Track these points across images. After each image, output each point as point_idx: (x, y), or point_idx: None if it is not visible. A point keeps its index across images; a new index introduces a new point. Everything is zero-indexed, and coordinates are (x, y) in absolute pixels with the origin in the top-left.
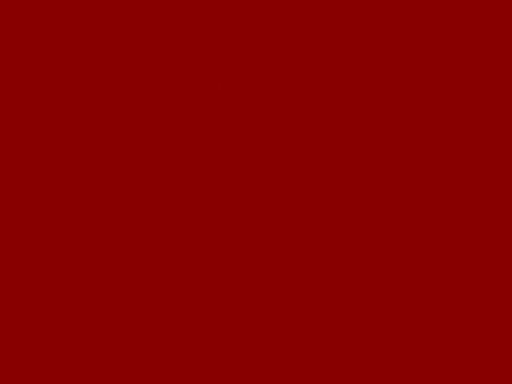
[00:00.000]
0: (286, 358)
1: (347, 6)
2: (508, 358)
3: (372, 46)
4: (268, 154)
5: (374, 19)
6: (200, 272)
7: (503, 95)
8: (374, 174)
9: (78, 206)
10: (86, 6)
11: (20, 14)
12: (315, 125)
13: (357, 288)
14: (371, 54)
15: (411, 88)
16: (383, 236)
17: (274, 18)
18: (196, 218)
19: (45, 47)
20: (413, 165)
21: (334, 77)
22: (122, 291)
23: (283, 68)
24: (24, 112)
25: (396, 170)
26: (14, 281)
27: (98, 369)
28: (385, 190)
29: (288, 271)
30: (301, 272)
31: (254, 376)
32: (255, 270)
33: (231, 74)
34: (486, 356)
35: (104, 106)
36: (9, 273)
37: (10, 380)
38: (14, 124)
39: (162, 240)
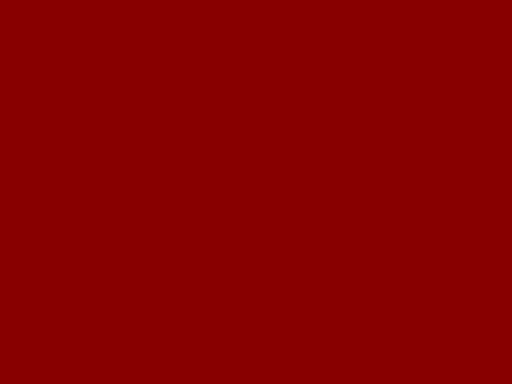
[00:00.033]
0: (286, 358)
1: (347, 6)
2: (508, 358)
3: (372, 46)
4: (268, 153)
5: (374, 19)
6: (200, 271)
7: (503, 95)
8: (374, 173)
9: (77, 206)
10: (86, 6)
11: (20, 14)
12: (315, 125)
13: (357, 288)
14: (371, 54)
15: (411, 88)
16: (383, 236)
17: (274, 18)
18: (196, 218)
19: (45, 47)
20: (413, 165)
21: (333, 77)
22: (122, 291)
23: (283, 68)
24: (24, 112)
25: (396, 170)
26: (14, 281)
27: (98, 369)
28: (385, 189)
29: (288, 271)
30: (301, 272)
31: (254, 376)
32: (255, 270)
33: (231, 74)
34: (486, 356)
35: (104, 106)
36: (9, 273)
37: (10, 380)
38: (14, 124)
39: (161, 239)
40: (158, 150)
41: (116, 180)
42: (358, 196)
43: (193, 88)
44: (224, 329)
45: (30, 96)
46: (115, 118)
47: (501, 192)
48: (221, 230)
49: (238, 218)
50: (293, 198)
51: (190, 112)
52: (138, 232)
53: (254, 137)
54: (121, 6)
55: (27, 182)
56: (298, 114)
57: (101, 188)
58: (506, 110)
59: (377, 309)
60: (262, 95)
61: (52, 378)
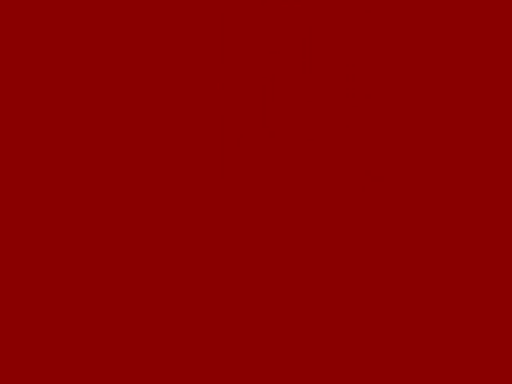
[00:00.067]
0: (286, 358)
1: (347, 6)
2: (508, 358)
3: (372, 46)
4: (268, 153)
5: (374, 19)
6: (200, 271)
7: (503, 95)
8: (374, 173)
9: (77, 206)
10: (86, 6)
11: (20, 14)
12: (315, 125)
13: (357, 288)
14: (371, 54)
15: (411, 88)
16: (383, 236)
17: (274, 18)
18: (196, 218)
19: (45, 47)
20: (413, 165)
21: (333, 77)
22: (122, 291)
23: (283, 68)
24: (24, 112)
25: (396, 170)
26: (14, 281)
27: (98, 369)
28: (385, 189)
29: (288, 271)
30: (301, 272)
31: (254, 376)
32: (255, 270)
33: (231, 74)
34: (486, 356)
35: (104, 106)
36: (9, 273)
37: (10, 380)
38: (14, 124)
39: (161, 239)
40: (157, 150)
41: (116, 180)
42: (358, 196)
43: (193, 88)
44: (224, 328)
45: (29, 96)
46: (115, 117)
47: (501, 192)
48: (221, 230)
49: (237, 218)
50: (293, 198)
51: (189, 112)
52: (137, 232)
53: (254, 137)
54: (121, 5)
55: (27, 182)
56: (297, 113)
57: (101, 188)
58: (505, 110)
59: (377, 309)
60: (262, 95)
61: (52, 378)
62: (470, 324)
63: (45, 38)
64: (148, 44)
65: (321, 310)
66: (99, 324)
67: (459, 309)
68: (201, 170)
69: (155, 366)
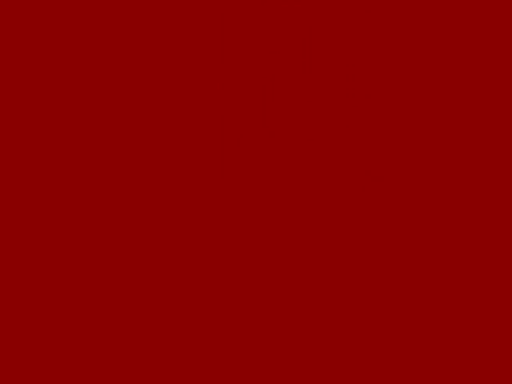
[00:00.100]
0: (286, 358)
1: (347, 6)
2: (508, 358)
3: (372, 46)
4: (268, 153)
5: (374, 19)
6: (200, 272)
7: (503, 95)
8: (374, 173)
9: (77, 206)
10: (86, 6)
11: (20, 14)
12: (315, 125)
13: (357, 288)
14: (371, 54)
15: (411, 88)
16: (383, 236)
17: (274, 18)
18: (196, 218)
19: (45, 47)
20: (413, 165)
21: (333, 77)
22: (122, 291)
23: (283, 68)
24: (24, 112)
25: (396, 170)
26: (14, 281)
27: (98, 369)
28: (385, 189)
29: (288, 271)
30: (301, 272)
31: (254, 376)
32: (255, 270)
33: (231, 74)
34: (486, 356)
35: (104, 106)
36: (9, 273)
37: (10, 380)
38: (14, 124)
39: (161, 239)
40: (157, 150)
41: (116, 179)
42: (358, 196)
43: (193, 88)
44: (224, 328)
45: (29, 96)
46: (115, 117)
47: (501, 192)
48: (221, 230)
49: (237, 218)
50: (293, 198)
51: (189, 111)
52: (137, 231)
53: (254, 137)
54: (121, 5)
55: (27, 182)
56: (297, 113)
57: (100, 187)
58: (506, 109)
59: (376, 309)
60: (262, 95)
61: (52, 378)
62: (470, 324)
63: (45, 37)
64: (148, 44)
65: (321, 309)
66: (99, 324)
67: (459, 308)
68: (201, 169)
69: (155, 365)
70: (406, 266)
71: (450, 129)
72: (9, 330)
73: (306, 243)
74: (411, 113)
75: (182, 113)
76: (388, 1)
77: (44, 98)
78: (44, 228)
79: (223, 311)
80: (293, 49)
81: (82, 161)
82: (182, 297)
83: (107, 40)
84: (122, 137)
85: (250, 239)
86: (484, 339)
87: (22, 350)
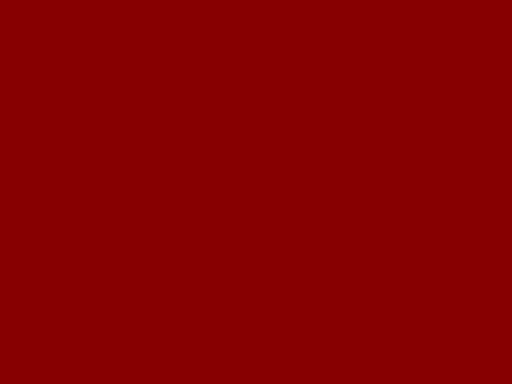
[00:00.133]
0: (286, 358)
1: (347, 6)
2: (508, 358)
3: (372, 46)
4: (268, 154)
5: (374, 19)
6: (200, 272)
7: (503, 95)
8: (374, 173)
9: (77, 206)
10: (86, 6)
11: (20, 14)
12: (315, 125)
13: (357, 288)
14: (371, 54)
15: (411, 88)
16: (383, 236)
17: (274, 18)
18: (196, 218)
19: (45, 47)
20: (412, 165)
21: (333, 77)
22: (122, 291)
23: (283, 68)
24: (24, 112)
25: (396, 170)
26: (14, 281)
27: (98, 369)
28: (385, 189)
29: (288, 271)
30: (301, 272)
31: (254, 376)
32: (255, 270)
33: (231, 74)
34: (486, 356)
35: (104, 106)
36: (9, 273)
37: (10, 380)
38: (14, 124)
39: (161, 240)
40: (157, 150)
41: (116, 179)
42: (358, 196)
43: (193, 87)
44: (224, 328)
45: (29, 96)
46: (115, 117)
47: (501, 192)
48: (220, 230)
49: (237, 218)
50: (293, 198)
51: (189, 111)
52: (137, 231)
53: (254, 137)
54: (121, 5)
55: (27, 182)
56: (297, 113)
57: (100, 187)
58: (506, 109)
59: (377, 309)
60: (262, 95)
61: (52, 378)
62: (470, 324)
63: (45, 37)
64: (148, 44)
65: (321, 309)
66: (99, 324)
67: (459, 308)
68: (201, 169)
69: (155, 365)
70: (406, 266)
71: (450, 129)
72: (9, 329)
73: (306, 243)
74: (411, 113)
75: (182, 112)
76: (388, 1)
77: (44, 98)
78: (44, 228)
79: (223, 311)
80: (293, 49)
81: (82, 160)
82: (182, 296)
83: (107, 40)
84: (122, 137)
85: (250, 239)
86: (484, 339)
87: (22, 350)
